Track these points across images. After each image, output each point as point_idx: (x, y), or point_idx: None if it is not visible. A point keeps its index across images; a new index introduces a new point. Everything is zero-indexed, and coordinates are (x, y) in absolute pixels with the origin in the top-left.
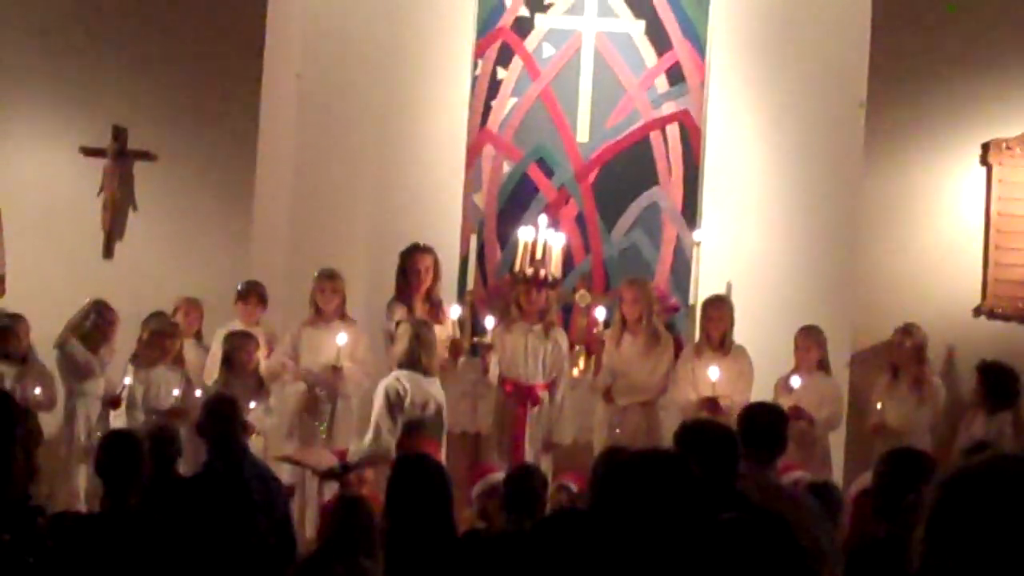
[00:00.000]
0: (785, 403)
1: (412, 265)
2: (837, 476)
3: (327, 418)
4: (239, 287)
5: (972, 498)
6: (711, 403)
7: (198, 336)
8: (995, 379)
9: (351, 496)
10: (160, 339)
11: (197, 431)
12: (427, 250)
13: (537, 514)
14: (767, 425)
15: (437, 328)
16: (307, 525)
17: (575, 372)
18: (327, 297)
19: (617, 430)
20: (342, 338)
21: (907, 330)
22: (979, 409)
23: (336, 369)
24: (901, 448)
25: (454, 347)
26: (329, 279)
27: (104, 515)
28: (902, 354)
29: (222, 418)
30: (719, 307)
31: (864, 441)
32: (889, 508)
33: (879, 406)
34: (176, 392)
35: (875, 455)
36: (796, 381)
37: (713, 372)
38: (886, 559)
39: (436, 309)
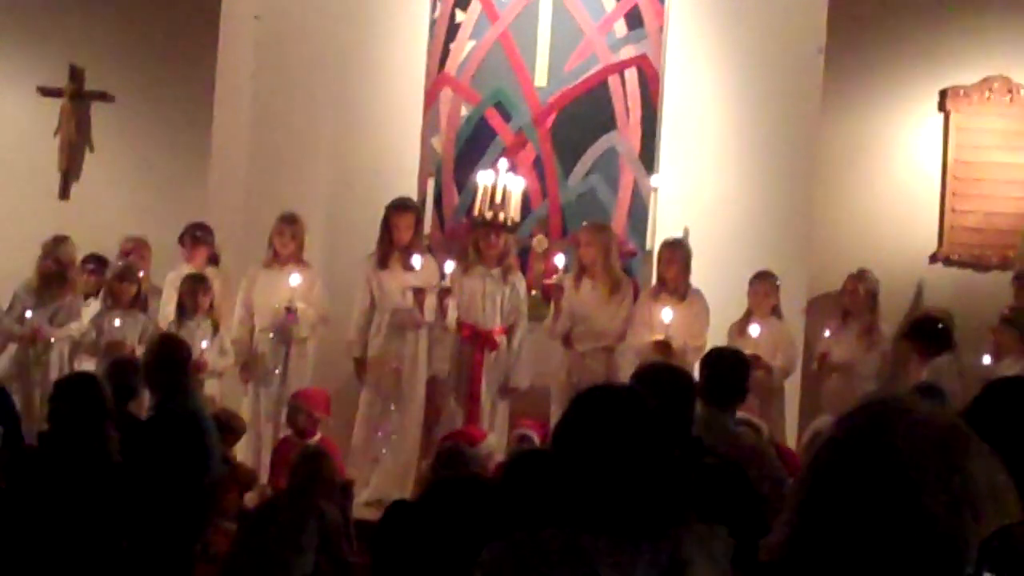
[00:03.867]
0: (742, 349)
1: (397, 222)
2: (791, 421)
3: (281, 360)
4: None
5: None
6: (663, 345)
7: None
8: (922, 333)
9: (314, 447)
10: (114, 284)
11: (144, 376)
12: (407, 208)
13: None
14: (729, 371)
15: (408, 276)
16: (262, 466)
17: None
18: (284, 241)
19: (577, 373)
20: (295, 279)
21: (860, 276)
22: (920, 363)
23: (289, 310)
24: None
25: (416, 295)
26: (288, 223)
27: (59, 453)
28: (854, 300)
29: (169, 359)
30: (672, 250)
31: (818, 386)
32: None
33: (827, 334)
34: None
35: (827, 400)
36: (755, 330)
37: (666, 314)
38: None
39: (406, 259)
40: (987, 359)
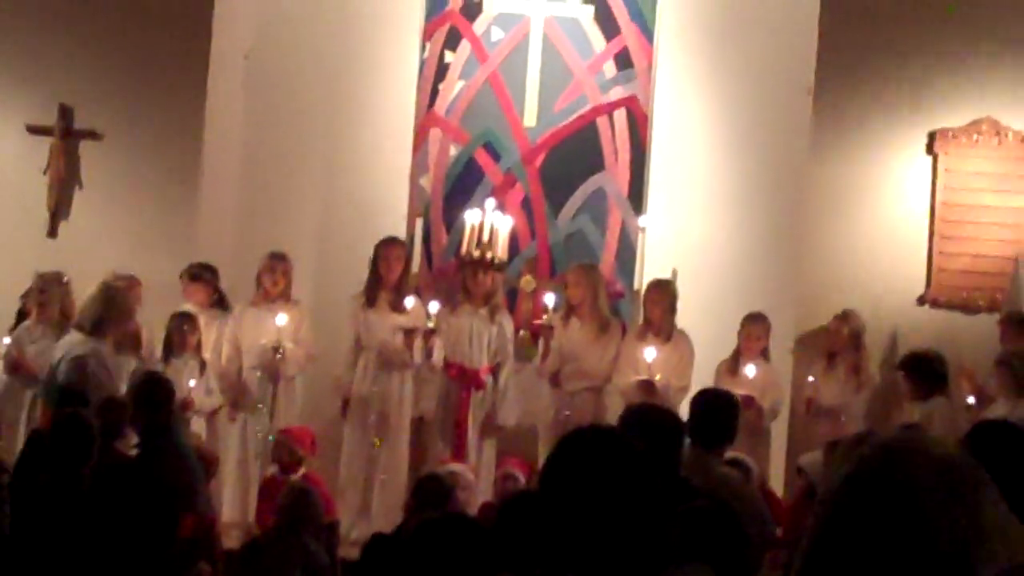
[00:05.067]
0: (732, 389)
1: (385, 255)
2: (778, 462)
3: (269, 398)
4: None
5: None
6: (646, 385)
7: None
8: (919, 370)
9: (301, 484)
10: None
11: (128, 417)
12: (396, 241)
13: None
14: (719, 412)
15: (399, 318)
16: (249, 504)
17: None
18: (275, 279)
19: (567, 412)
20: (282, 318)
21: (844, 316)
22: (912, 401)
23: (276, 350)
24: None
25: (406, 336)
26: (278, 261)
27: (51, 493)
28: (839, 340)
29: (153, 398)
30: (659, 291)
31: (805, 428)
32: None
33: (810, 379)
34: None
35: (816, 440)
36: (751, 370)
37: (649, 353)
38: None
39: (398, 299)
40: (971, 400)
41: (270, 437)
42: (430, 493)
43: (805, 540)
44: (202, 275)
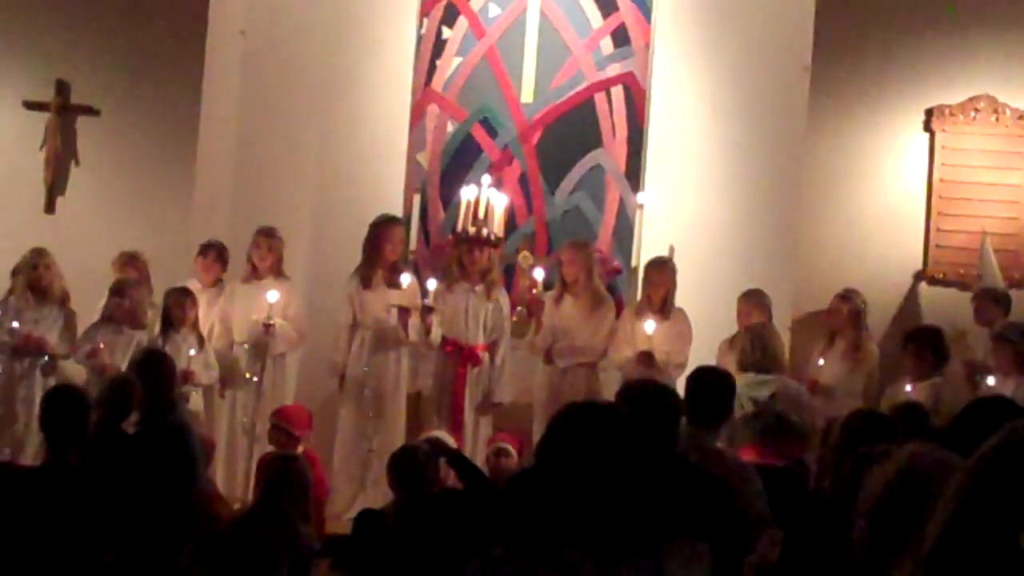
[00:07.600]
0: (727, 366)
1: (390, 236)
2: None
3: (257, 375)
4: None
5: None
6: (646, 357)
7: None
8: (926, 346)
9: (285, 455)
10: (111, 298)
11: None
12: (399, 222)
13: (424, 488)
14: (715, 390)
15: (394, 294)
16: (237, 479)
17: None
18: (262, 254)
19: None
20: (273, 295)
21: (845, 295)
22: (912, 376)
23: (267, 325)
24: (863, 410)
25: (401, 313)
26: (266, 236)
27: (44, 469)
28: (839, 319)
29: (154, 374)
30: (660, 270)
31: None
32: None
33: (821, 363)
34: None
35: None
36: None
37: (649, 325)
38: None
39: (395, 276)
40: (991, 380)
41: (244, 420)
42: (405, 468)
43: (941, 514)
44: (224, 255)
